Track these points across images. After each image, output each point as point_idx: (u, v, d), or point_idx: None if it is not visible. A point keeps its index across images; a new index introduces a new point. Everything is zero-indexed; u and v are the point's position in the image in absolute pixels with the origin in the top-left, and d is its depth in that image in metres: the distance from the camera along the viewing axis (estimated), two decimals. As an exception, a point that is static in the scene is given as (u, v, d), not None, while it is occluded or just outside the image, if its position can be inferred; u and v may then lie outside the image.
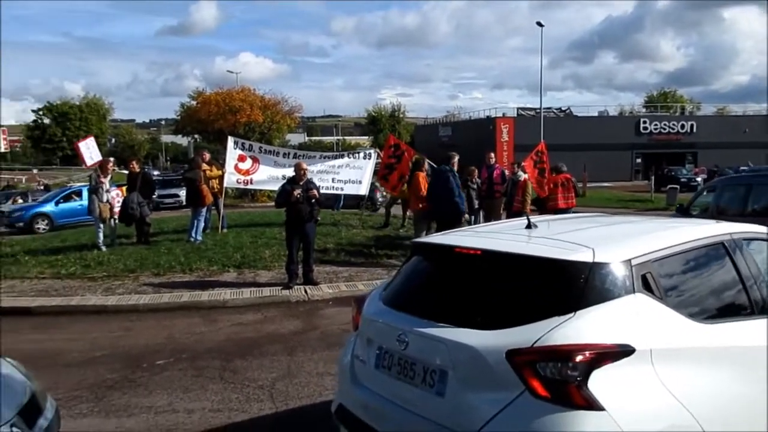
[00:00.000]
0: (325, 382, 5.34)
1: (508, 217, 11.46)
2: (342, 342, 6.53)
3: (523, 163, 12.08)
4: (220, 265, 10.17)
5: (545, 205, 11.55)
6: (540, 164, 12.08)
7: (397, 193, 14.21)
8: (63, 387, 5.24)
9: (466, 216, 10.14)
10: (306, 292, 8.64)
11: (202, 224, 12.53)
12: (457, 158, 10.31)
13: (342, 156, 15.05)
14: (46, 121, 68.27)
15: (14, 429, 2.95)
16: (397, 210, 15.20)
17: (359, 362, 3.41)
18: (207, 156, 13.77)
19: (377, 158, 15.06)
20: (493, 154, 13.61)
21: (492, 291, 2.99)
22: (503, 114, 50.14)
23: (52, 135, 66.66)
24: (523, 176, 11.72)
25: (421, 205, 10.65)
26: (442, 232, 4.06)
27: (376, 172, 15.26)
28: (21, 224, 21.02)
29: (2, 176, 48.51)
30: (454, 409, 2.75)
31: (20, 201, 26.53)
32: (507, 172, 13.52)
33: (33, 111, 70.82)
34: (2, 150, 54.77)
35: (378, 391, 3.19)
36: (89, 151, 17.32)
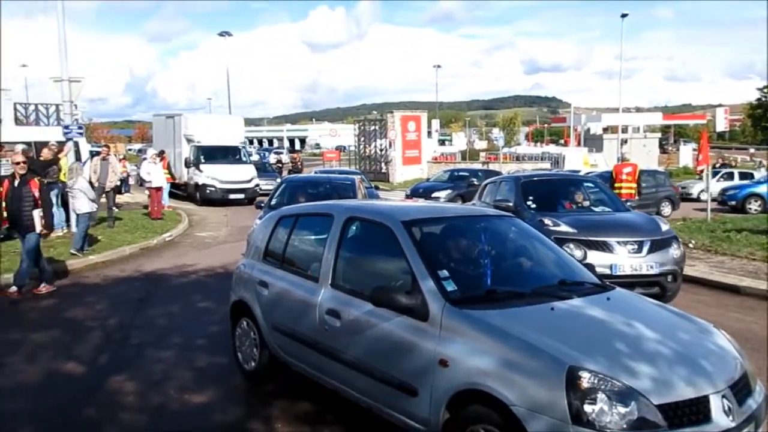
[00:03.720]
0: None
1: None
2: None
3: None
4: None
5: None
6: None
7: None
8: None
9: None
10: None
11: None
12: None
13: None
14: (771, 99, 65.50)
15: (724, 401, 2.99)
16: None
17: None
18: None
19: None
20: None
21: None
22: None
23: (776, 113, 63.54)
24: None
25: None
26: None
27: None
28: (733, 203, 21.21)
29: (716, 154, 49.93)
30: None
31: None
32: None
33: (757, 89, 69.12)
34: (722, 129, 56.21)
35: None
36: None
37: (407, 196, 21.24)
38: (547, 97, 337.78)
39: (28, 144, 12.82)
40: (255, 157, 30.14)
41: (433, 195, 20.36)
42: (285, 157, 39.11)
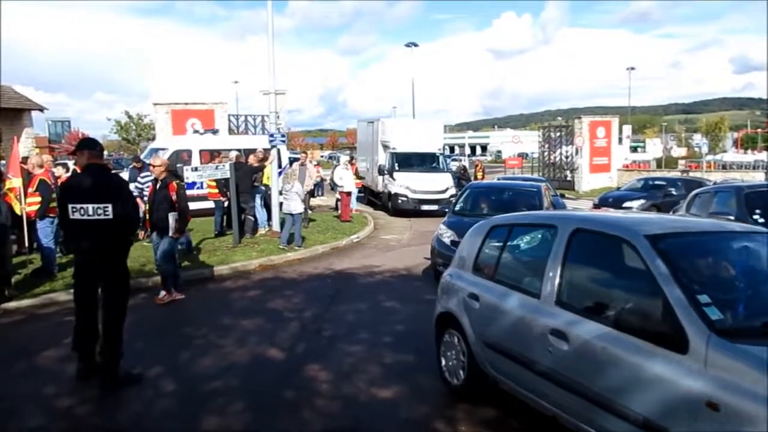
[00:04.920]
0: None
1: None
2: None
3: None
4: None
5: None
6: None
7: None
8: None
9: None
10: None
11: None
12: None
13: None
14: None
15: None
16: None
17: None
18: None
19: None
20: None
21: None
22: None
23: None
24: None
25: None
26: None
27: None
28: None
29: None
30: None
31: None
32: None
33: None
34: None
35: None
36: None
37: (595, 206, 20.14)
38: (762, 99, 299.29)
39: (239, 151, 14.32)
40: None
41: (624, 204, 19.06)
42: (465, 164, 39.33)
